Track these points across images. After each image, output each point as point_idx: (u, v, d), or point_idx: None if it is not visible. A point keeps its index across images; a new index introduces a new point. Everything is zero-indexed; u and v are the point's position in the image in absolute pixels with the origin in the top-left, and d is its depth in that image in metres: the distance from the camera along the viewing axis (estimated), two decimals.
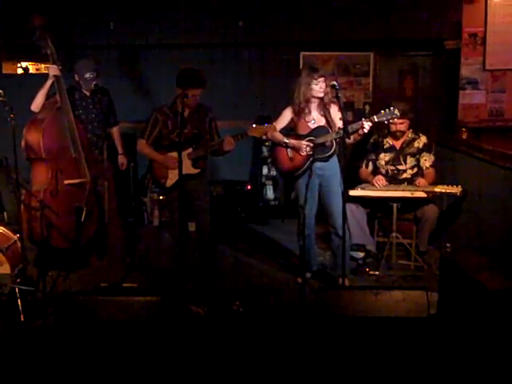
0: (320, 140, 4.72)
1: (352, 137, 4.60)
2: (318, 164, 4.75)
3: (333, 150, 4.73)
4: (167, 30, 6.81)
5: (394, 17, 6.74)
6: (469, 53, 6.63)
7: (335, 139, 4.68)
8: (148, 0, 6.71)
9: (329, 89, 4.67)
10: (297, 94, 4.77)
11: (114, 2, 6.72)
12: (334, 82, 4.47)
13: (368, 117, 4.62)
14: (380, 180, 5.28)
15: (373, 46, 7.34)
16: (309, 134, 4.79)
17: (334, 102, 4.75)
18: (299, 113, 4.79)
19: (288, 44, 7.22)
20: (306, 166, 4.77)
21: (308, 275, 5.05)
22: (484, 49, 6.55)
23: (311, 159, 4.74)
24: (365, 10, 6.73)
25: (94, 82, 4.97)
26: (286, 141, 4.82)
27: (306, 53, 7.35)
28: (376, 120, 4.59)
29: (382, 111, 4.61)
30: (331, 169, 4.76)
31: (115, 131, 5.46)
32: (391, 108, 4.59)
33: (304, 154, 4.76)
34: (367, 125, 4.53)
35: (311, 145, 4.72)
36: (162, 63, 6.98)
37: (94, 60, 5.27)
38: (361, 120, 4.58)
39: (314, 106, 4.80)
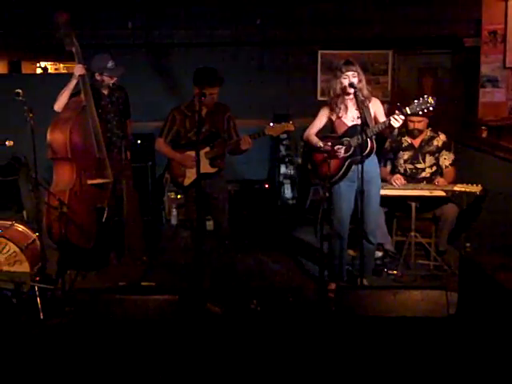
0: (354, 140, 4.49)
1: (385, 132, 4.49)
2: (356, 168, 4.52)
3: (368, 149, 4.44)
4: (191, 28, 6.83)
5: (412, 14, 6.70)
6: (489, 50, 6.56)
7: (369, 137, 4.41)
8: None
9: (363, 84, 4.48)
10: (328, 89, 4.61)
11: (135, 1, 6.74)
12: (352, 80, 4.44)
13: (399, 110, 4.31)
14: (398, 179, 5.24)
15: (391, 44, 7.30)
16: (344, 135, 4.58)
17: (374, 96, 4.61)
18: (334, 110, 4.58)
19: (306, 42, 7.21)
20: (343, 170, 4.58)
21: (332, 286, 4.81)
22: (504, 46, 6.47)
23: (348, 161, 4.57)
24: (383, 7, 6.70)
25: (112, 81, 4.98)
26: (321, 144, 4.57)
27: (324, 51, 7.33)
28: (409, 112, 4.30)
29: (415, 101, 4.29)
30: (370, 172, 4.51)
31: (128, 124, 5.41)
32: (425, 96, 4.28)
33: (341, 156, 4.54)
34: (399, 118, 4.27)
35: (342, 148, 4.53)
36: (187, 62, 6.97)
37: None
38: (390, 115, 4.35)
39: (351, 102, 4.55)
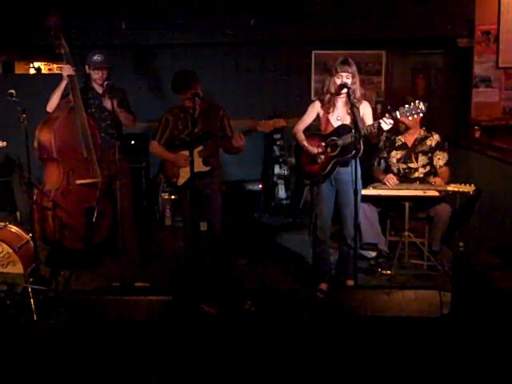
0: (341, 141, 4.45)
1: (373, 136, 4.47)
2: (340, 168, 4.52)
3: (354, 151, 4.38)
4: (180, 29, 6.83)
5: (406, 15, 6.71)
6: (482, 51, 6.59)
7: (357, 139, 4.34)
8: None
9: (357, 86, 4.45)
10: (322, 86, 4.60)
11: (127, 1, 6.74)
12: (346, 81, 4.43)
13: (389, 113, 4.31)
14: (391, 179, 5.23)
15: (385, 44, 7.31)
16: (331, 134, 4.54)
17: (366, 100, 4.57)
18: (324, 106, 4.56)
19: (300, 42, 7.22)
20: (327, 170, 4.52)
21: (323, 286, 4.76)
22: (497, 46, 6.50)
23: (334, 161, 4.51)
24: (377, 8, 6.71)
25: (107, 82, 4.96)
26: (305, 144, 4.57)
27: (318, 51, 7.34)
28: (398, 116, 4.30)
29: (406, 105, 4.29)
30: (350, 173, 4.38)
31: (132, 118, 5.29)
32: (416, 101, 4.28)
33: (319, 161, 4.53)
34: (389, 122, 4.27)
35: (322, 156, 4.50)
36: (176, 62, 6.98)
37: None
38: (380, 118, 4.33)
39: (341, 102, 4.52)
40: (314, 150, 4.56)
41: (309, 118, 4.69)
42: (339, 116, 4.56)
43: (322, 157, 4.54)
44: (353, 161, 4.42)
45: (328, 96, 4.53)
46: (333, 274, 4.95)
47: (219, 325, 4.13)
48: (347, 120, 4.53)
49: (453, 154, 5.67)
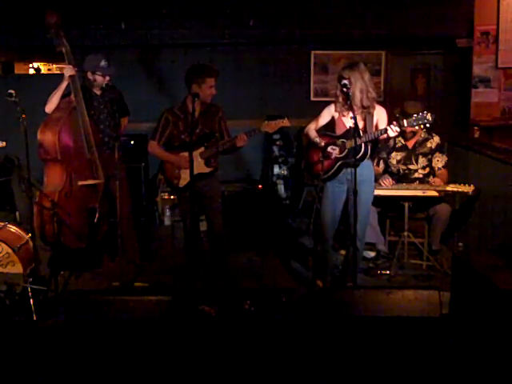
0: (350, 143, 4.45)
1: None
2: (347, 169, 4.53)
3: (361, 153, 4.42)
4: (181, 29, 6.83)
5: (405, 15, 6.73)
6: (481, 51, 6.58)
7: (365, 142, 4.42)
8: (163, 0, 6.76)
9: (358, 91, 4.42)
10: (335, 93, 4.61)
11: (127, 1, 6.74)
12: (346, 82, 4.41)
13: (397, 121, 4.38)
14: (386, 180, 5.24)
15: (384, 44, 7.32)
16: (342, 136, 4.55)
17: (379, 104, 4.59)
18: (338, 108, 4.57)
19: (300, 42, 7.22)
20: (334, 170, 4.56)
21: (319, 283, 4.82)
22: (496, 47, 6.49)
23: (340, 162, 4.54)
24: (376, 8, 6.71)
25: (105, 82, 4.97)
26: (318, 140, 4.58)
27: (317, 51, 7.35)
28: (406, 125, 4.34)
29: (415, 115, 4.35)
30: (362, 175, 4.38)
31: (122, 121, 5.34)
32: (424, 112, 4.33)
33: (333, 156, 4.55)
34: (395, 130, 4.32)
35: (336, 149, 4.52)
36: (176, 63, 7.00)
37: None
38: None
39: (356, 106, 4.46)
40: (327, 147, 4.54)
41: (323, 120, 4.67)
42: (353, 119, 4.47)
43: (337, 150, 4.53)
44: (368, 165, 4.56)
45: (341, 102, 4.53)
46: (336, 273, 4.99)
47: (218, 325, 4.13)
48: (361, 124, 4.51)
49: (452, 154, 5.68)
